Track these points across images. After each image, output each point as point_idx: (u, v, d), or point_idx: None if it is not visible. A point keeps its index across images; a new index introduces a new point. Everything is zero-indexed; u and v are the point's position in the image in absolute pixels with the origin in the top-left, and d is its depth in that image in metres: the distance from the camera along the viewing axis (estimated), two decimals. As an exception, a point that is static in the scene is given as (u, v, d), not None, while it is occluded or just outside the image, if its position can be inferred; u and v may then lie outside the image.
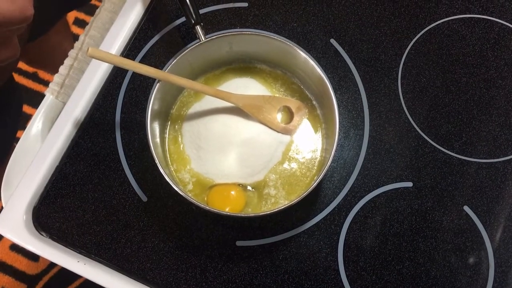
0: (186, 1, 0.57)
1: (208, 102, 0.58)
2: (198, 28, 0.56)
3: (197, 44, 0.55)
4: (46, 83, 1.51)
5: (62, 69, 0.68)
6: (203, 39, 0.55)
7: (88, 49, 0.47)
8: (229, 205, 0.55)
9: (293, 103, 0.59)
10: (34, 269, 1.36)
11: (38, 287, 1.35)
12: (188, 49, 0.54)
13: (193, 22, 0.56)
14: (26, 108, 1.49)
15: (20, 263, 1.37)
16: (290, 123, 0.58)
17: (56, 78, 0.68)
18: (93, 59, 0.65)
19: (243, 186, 0.57)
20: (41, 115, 0.65)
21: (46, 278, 1.35)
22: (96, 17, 0.71)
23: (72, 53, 0.69)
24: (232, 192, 0.56)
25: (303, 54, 0.55)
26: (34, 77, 1.52)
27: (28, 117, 1.46)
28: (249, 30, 0.65)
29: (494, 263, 0.57)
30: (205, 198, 0.56)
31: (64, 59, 0.69)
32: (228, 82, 0.60)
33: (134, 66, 0.51)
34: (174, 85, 0.55)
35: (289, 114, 0.59)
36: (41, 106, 0.66)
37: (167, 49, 0.64)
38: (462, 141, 0.61)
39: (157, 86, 0.53)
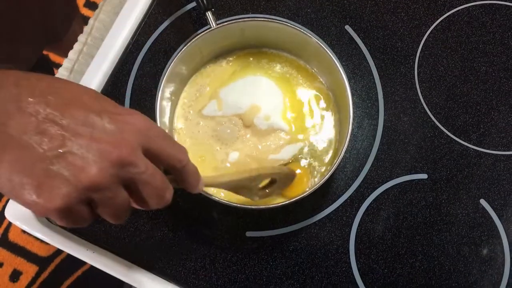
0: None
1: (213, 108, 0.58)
2: (209, 14, 0.54)
3: (208, 30, 0.53)
4: (57, 66, 1.51)
5: (72, 54, 0.67)
6: (214, 25, 0.54)
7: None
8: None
9: (277, 174, 0.53)
10: (45, 251, 1.38)
11: (50, 269, 1.36)
12: (199, 36, 0.53)
13: (203, 7, 0.54)
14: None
15: (32, 245, 1.38)
16: (268, 190, 0.54)
17: (66, 63, 0.67)
18: (103, 44, 0.64)
19: None
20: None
21: (57, 260, 1.36)
22: (105, 1, 0.69)
23: (81, 38, 0.68)
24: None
25: (316, 42, 0.54)
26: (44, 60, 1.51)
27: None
28: (262, 16, 0.63)
29: (510, 258, 0.56)
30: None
31: (74, 41, 0.68)
32: (240, 80, 0.58)
33: None
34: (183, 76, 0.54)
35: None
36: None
37: (178, 35, 0.63)
38: (479, 133, 0.59)
39: (165, 78, 0.52)
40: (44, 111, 0.32)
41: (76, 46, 0.67)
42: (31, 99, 0.32)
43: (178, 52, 0.52)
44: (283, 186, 0.55)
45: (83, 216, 0.34)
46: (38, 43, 0.73)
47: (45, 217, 0.58)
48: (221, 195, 0.55)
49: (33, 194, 0.31)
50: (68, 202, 0.31)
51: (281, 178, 0.53)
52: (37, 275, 1.37)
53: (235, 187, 0.50)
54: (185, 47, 0.52)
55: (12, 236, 1.39)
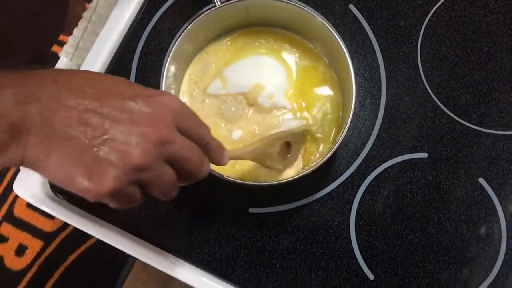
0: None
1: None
2: (213, -8, 0.54)
3: (213, 9, 0.53)
4: (60, 43, 1.50)
5: (76, 31, 0.67)
6: (219, 3, 0.54)
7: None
8: None
9: (291, 136, 0.56)
10: (50, 226, 1.39)
11: (55, 244, 1.38)
12: (203, 15, 0.53)
13: (208, -14, 0.54)
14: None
15: (37, 220, 1.40)
16: (289, 155, 0.57)
17: (71, 40, 0.67)
18: (108, 21, 0.65)
19: None
20: (55, 78, 0.65)
21: (62, 235, 1.38)
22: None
23: (86, 14, 0.68)
24: None
25: (321, 21, 0.54)
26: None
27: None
28: None
29: (507, 235, 0.57)
30: None
31: (76, 21, 0.68)
32: (244, 59, 0.59)
33: None
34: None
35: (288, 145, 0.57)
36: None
37: (183, 12, 0.63)
38: (480, 112, 0.60)
39: (170, 56, 0.53)
40: (84, 103, 0.34)
41: (81, 23, 0.68)
42: (71, 94, 0.34)
43: (183, 30, 0.53)
44: (300, 147, 0.57)
45: (134, 196, 0.36)
46: (25, 55, 0.73)
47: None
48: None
49: (85, 181, 0.33)
50: (118, 184, 0.34)
51: (295, 139, 0.57)
52: (42, 249, 1.39)
53: (258, 156, 0.53)
54: (189, 26, 0.53)
55: (17, 212, 1.41)
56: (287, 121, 0.57)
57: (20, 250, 1.39)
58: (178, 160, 0.37)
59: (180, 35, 0.53)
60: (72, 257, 1.37)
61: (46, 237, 1.39)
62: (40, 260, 1.38)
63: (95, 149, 0.34)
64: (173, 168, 0.38)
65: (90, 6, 0.68)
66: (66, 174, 0.34)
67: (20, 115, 0.33)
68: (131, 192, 0.35)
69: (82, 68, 0.63)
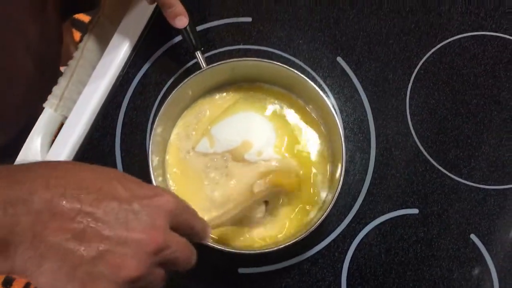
0: (183, 30, 0.54)
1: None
2: (198, 53, 0.54)
3: (198, 72, 0.53)
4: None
5: (62, 80, 0.66)
6: (205, 65, 0.53)
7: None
8: None
9: (266, 196, 0.56)
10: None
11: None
12: (189, 79, 0.52)
13: (193, 47, 0.54)
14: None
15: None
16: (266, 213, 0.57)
17: (55, 90, 0.66)
18: (93, 75, 0.63)
19: None
20: (40, 129, 0.64)
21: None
22: (96, 23, 0.68)
23: (72, 63, 0.67)
24: None
25: (307, 81, 0.54)
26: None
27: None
28: (252, 57, 0.61)
29: (500, 293, 0.56)
30: None
31: (66, 57, 0.67)
32: (231, 116, 0.58)
33: None
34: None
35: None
36: (40, 120, 0.64)
37: (168, 67, 0.62)
38: (470, 167, 0.59)
39: (156, 121, 0.52)
40: (79, 214, 0.33)
41: (66, 72, 0.66)
42: (64, 202, 0.33)
43: (170, 96, 0.52)
44: (277, 202, 0.56)
45: None
46: (17, 124, 0.72)
47: None
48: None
49: None
50: None
51: (272, 197, 0.56)
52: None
53: (237, 221, 0.54)
54: (175, 90, 0.52)
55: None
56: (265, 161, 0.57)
57: (8, 282, 1.37)
58: (170, 261, 0.37)
59: (165, 101, 0.52)
60: (60, 288, 1.35)
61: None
62: (28, 292, 1.36)
63: (89, 264, 0.32)
64: (164, 266, 0.37)
65: (75, 57, 0.67)
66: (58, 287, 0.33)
67: (9, 228, 0.31)
68: None
69: (66, 126, 0.61)
